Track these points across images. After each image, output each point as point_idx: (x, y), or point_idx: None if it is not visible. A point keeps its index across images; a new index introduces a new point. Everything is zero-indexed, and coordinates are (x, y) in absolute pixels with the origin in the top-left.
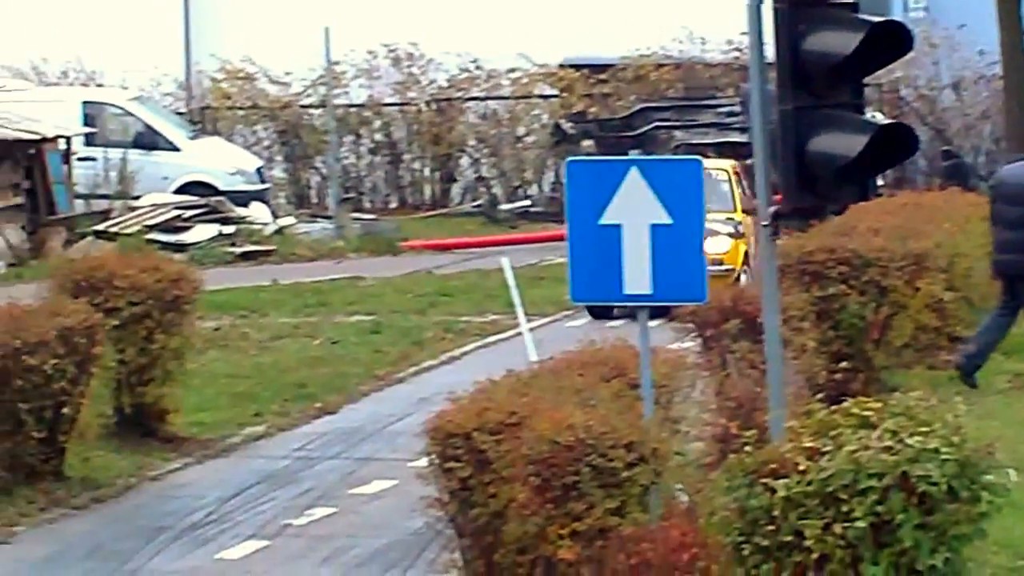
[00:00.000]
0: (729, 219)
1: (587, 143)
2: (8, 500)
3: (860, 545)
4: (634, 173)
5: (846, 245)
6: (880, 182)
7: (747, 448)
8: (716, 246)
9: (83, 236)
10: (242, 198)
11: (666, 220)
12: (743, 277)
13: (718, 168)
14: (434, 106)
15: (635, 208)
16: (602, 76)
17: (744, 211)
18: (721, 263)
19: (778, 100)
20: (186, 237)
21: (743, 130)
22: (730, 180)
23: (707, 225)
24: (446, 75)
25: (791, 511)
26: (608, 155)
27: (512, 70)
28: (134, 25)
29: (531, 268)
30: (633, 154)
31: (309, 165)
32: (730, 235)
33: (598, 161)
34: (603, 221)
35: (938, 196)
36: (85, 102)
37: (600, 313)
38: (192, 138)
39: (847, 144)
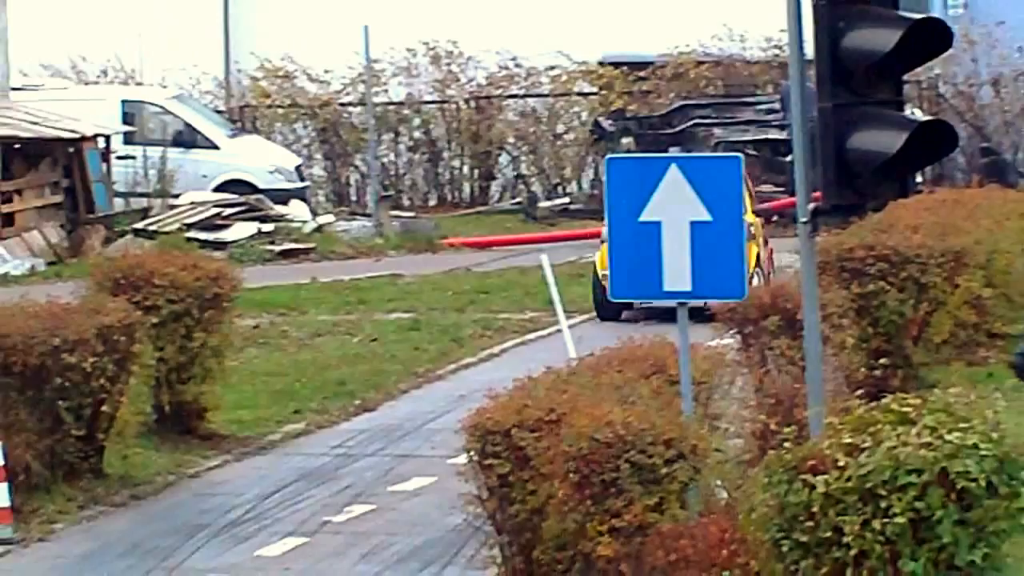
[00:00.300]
0: None
1: (626, 140)
2: (47, 498)
3: (899, 541)
4: (674, 170)
5: (885, 242)
6: (919, 179)
7: (786, 444)
8: None
9: (122, 234)
10: (281, 196)
11: (706, 217)
12: (755, 280)
13: None
14: (473, 104)
15: (675, 205)
16: (641, 73)
17: (755, 213)
18: None
19: (818, 97)
20: (225, 235)
21: (782, 127)
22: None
23: None
24: (485, 73)
25: (830, 507)
26: (647, 152)
27: (551, 67)
28: (174, 24)
29: (570, 265)
30: (673, 151)
31: (348, 163)
32: None
33: (638, 158)
34: (643, 218)
35: (977, 193)
36: (124, 100)
37: (608, 315)
38: (231, 136)
39: (887, 141)
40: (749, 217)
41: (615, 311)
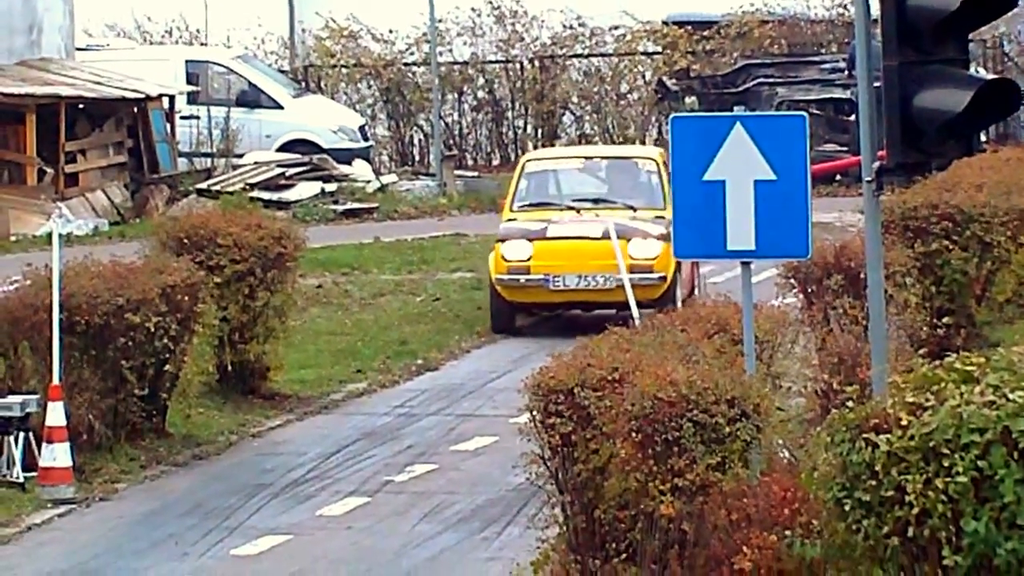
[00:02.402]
0: (658, 217)
1: (690, 100)
2: (110, 457)
3: (961, 500)
4: (738, 129)
5: (949, 201)
6: (983, 137)
7: (849, 403)
8: (643, 250)
9: (186, 194)
10: (345, 156)
11: (770, 176)
12: (678, 291)
13: (644, 157)
14: (537, 63)
15: (739, 164)
16: (706, 33)
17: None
18: (650, 270)
19: (883, 56)
20: (289, 195)
21: (846, 86)
22: (659, 171)
23: (632, 225)
24: (549, 32)
25: (893, 466)
26: (711, 112)
27: (615, 27)
28: None
29: None
30: (738, 111)
31: (412, 123)
32: (661, 237)
33: (703, 117)
34: (707, 177)
35: None
36: (188, 61)
37: (501, 326)
38: (295, 96)
39: (952, 99)
40: (669, 213)
41: (509, 320)
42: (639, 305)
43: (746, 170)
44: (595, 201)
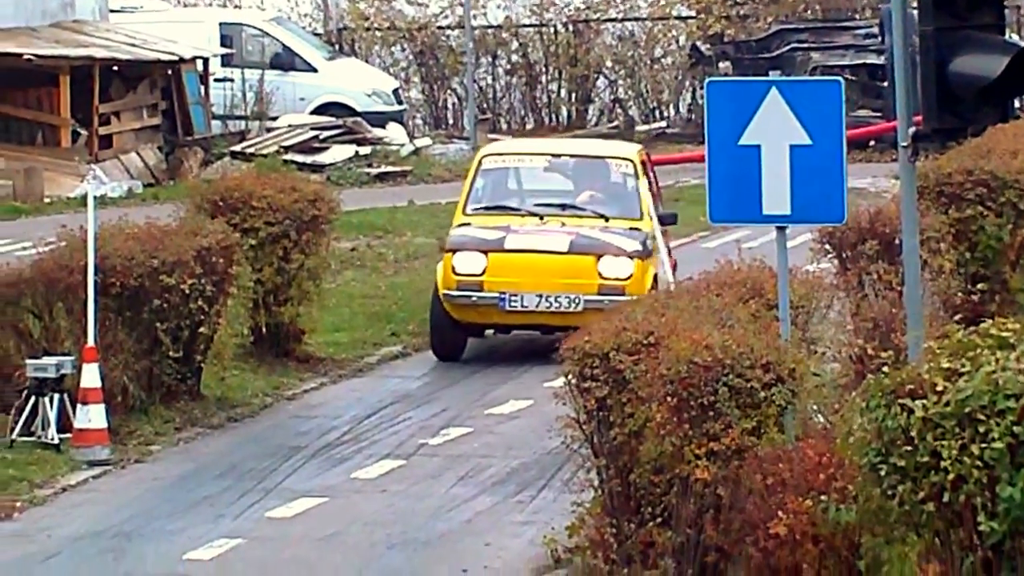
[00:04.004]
0: (634, 229)
1: (724, 65)
2: (145, 419)
3: (997, 466)
4: (774, 94)
5: (984, 167)
6: (1018, 104)
7: (884, 369)
8: (614, 269)
9: (220, 157)
10: (379, 119)
11: (806, 141)
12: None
13: (619, 158)
14: (571, 27)
15: (775, 129)
16: None
17: (657, 219)
18: (621, 292)
19: (919, 21)
20: (322, 158)
21: (880, 52)
22: (636, 175)
23: (602, 238)
24: None
25: (928, 432)
26: (745, 77)
27: None
28: None
29: (667, 190)
30: (773, 75)
31: (446, 86)
32: (635, 255)
33: (738, 82)
34: (742, 142)
35: None
36: (223, 23)
37: (445, 351)
38: (329, 59)
39: (988, 65)
40: (646, 225)
41: (455, 345)
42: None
43: (781, 135)
44: (561, 207)
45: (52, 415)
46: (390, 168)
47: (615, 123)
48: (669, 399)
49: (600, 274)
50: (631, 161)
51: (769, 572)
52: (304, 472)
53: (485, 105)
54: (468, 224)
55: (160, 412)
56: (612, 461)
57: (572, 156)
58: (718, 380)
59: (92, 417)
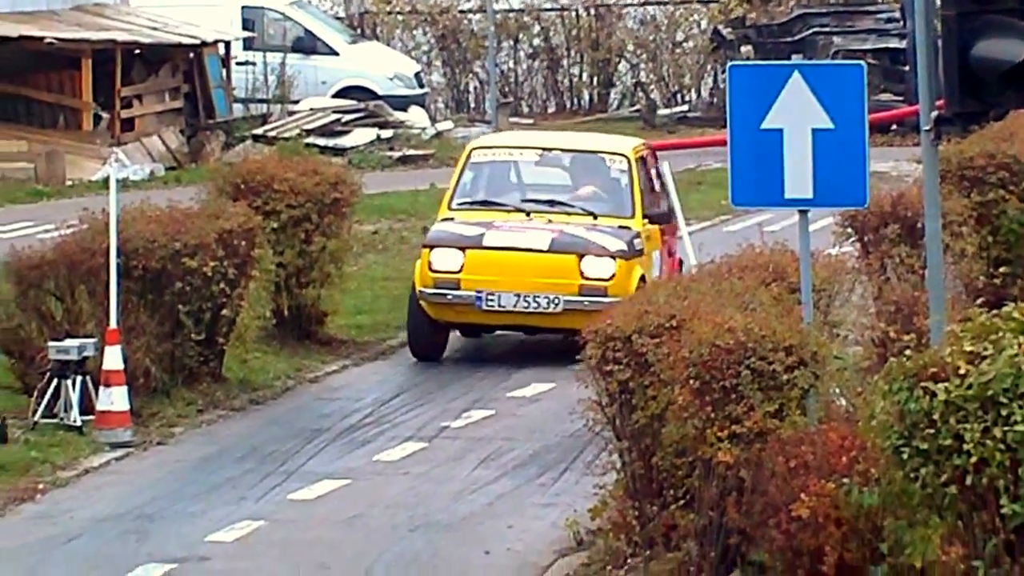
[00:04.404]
0: (623, 228)
1: (745, 49)
2: (167, 401)
3: (1019, 448)
4: (796, 78)
5: (1006, 151)
6: None
7: (907, 352)
8: (596, 269)
9: (241, 140)
10: (400, 102)
11: (828, 125)
12: None
13: (614, 153)
14: (593, 11)
15: (797, 113)
16: None
17: (648, 217)
18: (602, 293)
19: (941, 5)
20: (344, 141)
21: (902, 36)
22: (630, 171)
23: (585, 237)
24: None
25: (951, 415)
26: (767, 61)
27: None
28: None
29: (689, 173)
30: (795, 59)
31: (467, 70)
32: (619, 254)
33: (760, 65)
34: (765, 126)
35: None
36: (244, 7)
37: (423, 350)
38: (351, 43)
39: (1011, 49)
40: (637, 224)
41: (433, 344)
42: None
43: (804, 118)
44: (550, 203)
45: (75, 397)
46: (412, 151)
47: (637, 107)
48: (691, 382)
49: (582, 274)
50: (625, 157)
51: (791, 554)
52: (326, 454)
53: (507, 89)
54: (451, 219)
55: (182, 394)
56: (634, 444)
57: (564, 150)
58: (740, 363)
59: (114, 399)
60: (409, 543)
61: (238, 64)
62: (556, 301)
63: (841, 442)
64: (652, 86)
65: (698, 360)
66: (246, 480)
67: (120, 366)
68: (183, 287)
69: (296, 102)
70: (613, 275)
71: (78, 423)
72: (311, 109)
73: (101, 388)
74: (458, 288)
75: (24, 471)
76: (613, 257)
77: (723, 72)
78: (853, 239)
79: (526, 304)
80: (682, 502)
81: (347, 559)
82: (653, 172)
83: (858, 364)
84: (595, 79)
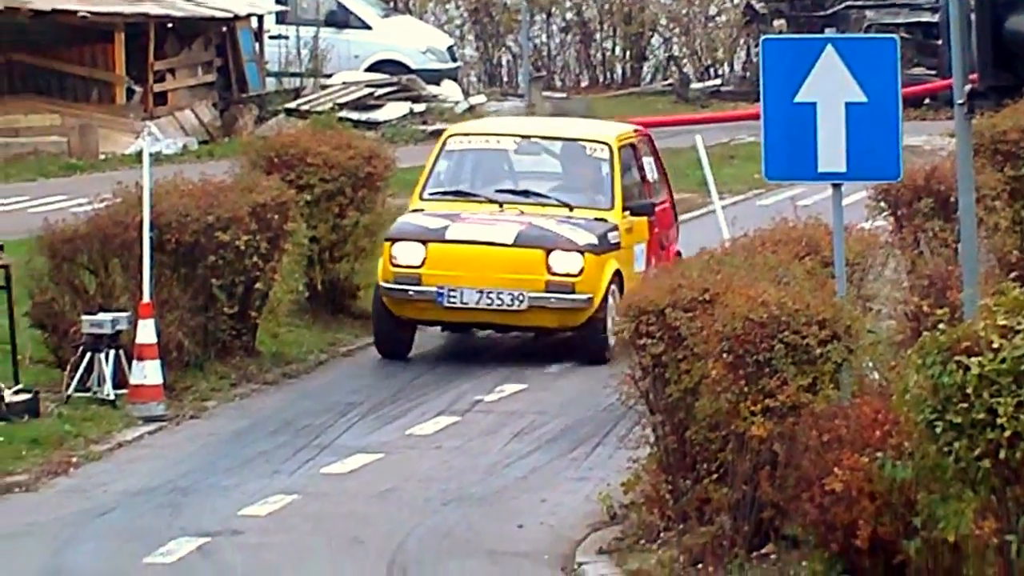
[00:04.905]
0: (599, 220)
1: (778, 22)
2: (200, 375)
3: None
4: (829, 51)
5: None
6: None
7: (940, 326)
8: (564, 264)
9: (274, 114)
10: (433, 76)
11: (861, 98)
12: (610, 318)
13: (595, 141)
14: None
15: (830, 86)
16: None
17: (629, 209)
18: (569, 290)
19: None
20: (377, 115)
21: (934, 10)
22: (612, 160)
23: (554, 229)
24: None
25: (984, 389)
26: (799, 34)
27: None
28: None
29: (722, 147)
30: (829, 33)
31: (500, 43)
32: (588, 249)
33: (794, 39)
34: (798, 99)
35: None
36: None
37: (389, 348)
38: (384, 16)
39: None
40: (615, 216)
41: (399, 341)
42: (539, 332)
43: (837, 92)
44: (524, 194)
45: (108, 371)
46: (445, 125)
47: (669, 81)
48: (725, 356)
49: (549, 269)
50: (607, 145)
51: (825, 528)
52: (359, 428)
53: (539, 63)
54: (421, 210)
55: (215, 368)
56: (668, 417)
57: (543, 138)
58: (774, 337)
59: (147, 373)
60: (442, 517)
61: (271, 38)
62: (520, 298)
63: (874, 416)
64: (685, 60)
65: (731, 334)
66: (279, 454)
67: (153, 340)
68: (216, 261)
69: (329, 76)
70: (582, 270)
71: (111, 397)
72: (344, 83)
73: (134, 362)
74: (419, 283)
75: (57, 445)
76: (581, 252)
77: (756, 46)
78: (886, 213)
79: (489, 301)
80: (715, 476)
81: (380, 533)
82: (647, 160)
83: (891, 338)
84: (628, 53)
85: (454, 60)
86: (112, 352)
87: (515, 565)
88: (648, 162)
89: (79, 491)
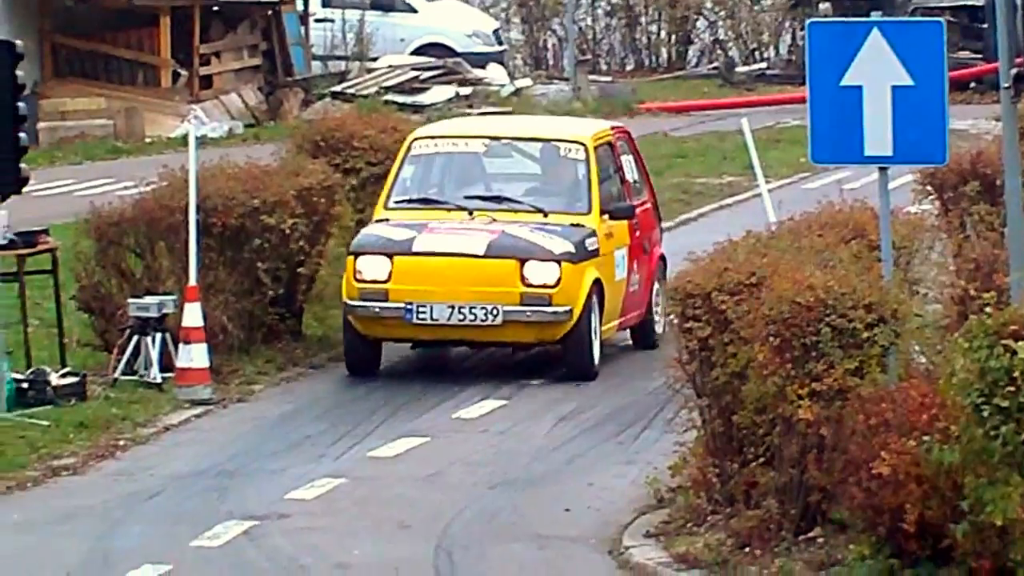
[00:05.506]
0: (575, 227)
1: (824, 6)
2: (247, 358)
3: None
4: (876, 35)
5: None
6: None
7: (987, 310)
8: (539, 275)
9: (320, 97)
10: (479, 59)
11: (907, 82)
12: (594, 329)
13: (569, 141)
14: None
15: (876, 70)
16: None
17: (608, 213)
18: (546, 302)
19: None
20: (423, 98)
21: None
22: (588, 161)
23: (527, 238)
24: None
25: None
26: (845, 18)
27: None
28: None
29: (767, 130)
30: (874, 16)
31: (546, 27)
32: (565, 258)
33: (840, 22)
34: (844, 83)
35: None
36: None
37: (358, 365)
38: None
39: None
40: (593, 221)
41: (370, 359)
42: (516, 347)
43: (883, 76)
44: (496, 200)
45: (154, 354)
46: (491, 109)
47: (715, 64)
48: (771, 339)
49: (524, 280)
50: (583, 145)
51: (872, 512)
52: (405, 412)
53: (585, 46)
54: (385, 220)
55: (261, 352)
56: (715, 401)
57: (514, 139)
58: (820, 320)
59: (194, 356)
60: (489, 500)
61: (316, 21)
62: (495, 312)
63: (921, 400)
64: (730, 43)
65: (778, 317)
66: (325, 438)
67: (200, 323)
68: (262, 244)
69: (375, 59)
70: (559, 281)
71: (158, 380)
72: (390, 66)
73: (180, 345)
74: (386, 299)
75: (105, 428)
76: (558, 261)
77: (801, 29)
78: (932, 196)
79: (461, 316)
80: (762, 459)
81: (426, 516)
82: (626, 159)
83: (938, 322)
84: (673, 36)
85: (500, 43)
86: (158, 335)
87: (562, 549)
88: (627, 161)
89: (126, 474)
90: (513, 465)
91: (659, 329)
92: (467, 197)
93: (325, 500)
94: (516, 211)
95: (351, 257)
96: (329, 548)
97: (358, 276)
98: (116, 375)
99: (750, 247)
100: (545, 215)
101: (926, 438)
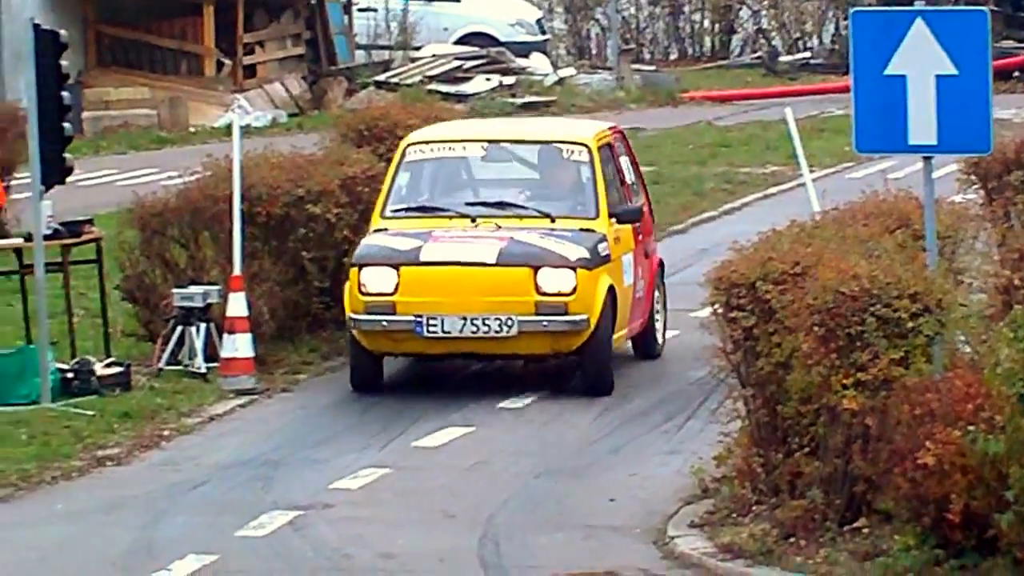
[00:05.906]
0: (585, 231)
1: None
2: (291, 348)
3: None
4: (919, 24)
5: None
6: None
7: None
8: (554, 282)
9: (364, 86)
10: (522, 49)
11: (951, 71)
12: (608, 336)
13: (572, 142)
14: None
15: (920, 59)
16: None
17: (615, 216)
18: (562, 310)
19: None
20: (466, 88)
21: None
22: (592, 163)
23: (542, 245)
24: None
25: None
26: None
27: None
28: None
29: (811, 120)
30: (918, 5)
31: (589, 16)
32: (581, 264)
33: (883, 11)
34: (888, 72)
35: None
36: None
37: (362, 381)
38: None
39: None
40: (602, 225)
41: (375, 374)
42: (530, 360)
43: (927, 65)
44: (499, 205)
45: (199, 344)
46: (534, 98)
47: (758, 54)
48: (816, 329)
49: (538, 289)
50: (586, 146)
51: (917, 502)
52: (449, 402)
53: (628, 36)
54: (384, 230)
55: (306, 341)
56: (759, 391)
57: (514, 141)
58: (865, 310)
59: (238, 346)
60: (533, 490)
61: (360, 10)
62: (509, 323)
63: (966, 390)
64: (774, 33)
65: (823, 307)
66: (370, 427)
67: (244, 313)
68: (306, 233)
69: (418, 48)
70: (575, 288)
71: (202, 370)
72: (433, 55)
73: (225, 335)
74: (394, 313)
75: (149, 418)
76: (574, 268)
77: (845, 18)
78: (977, 186)
79: (474, 328)
80: (807, 449)
81: (471, 506)
82: (623, 160)
83: (982, 311)
84: (716, 26)
85: (543, 32)
86: (203, 325)
87: (606, 539)
88: (625, 162)
89: (171, 464)
90: (557, 455)
91: (660, 339)
92: (468, 203)
93: (370, 490)
94: (521, 217)
95: (354, 269)
96: (374, 538)
97: (363, 289)
98: (160, 365)
99: (794, 236)
100: (552, 220)
101: (971, 428)
